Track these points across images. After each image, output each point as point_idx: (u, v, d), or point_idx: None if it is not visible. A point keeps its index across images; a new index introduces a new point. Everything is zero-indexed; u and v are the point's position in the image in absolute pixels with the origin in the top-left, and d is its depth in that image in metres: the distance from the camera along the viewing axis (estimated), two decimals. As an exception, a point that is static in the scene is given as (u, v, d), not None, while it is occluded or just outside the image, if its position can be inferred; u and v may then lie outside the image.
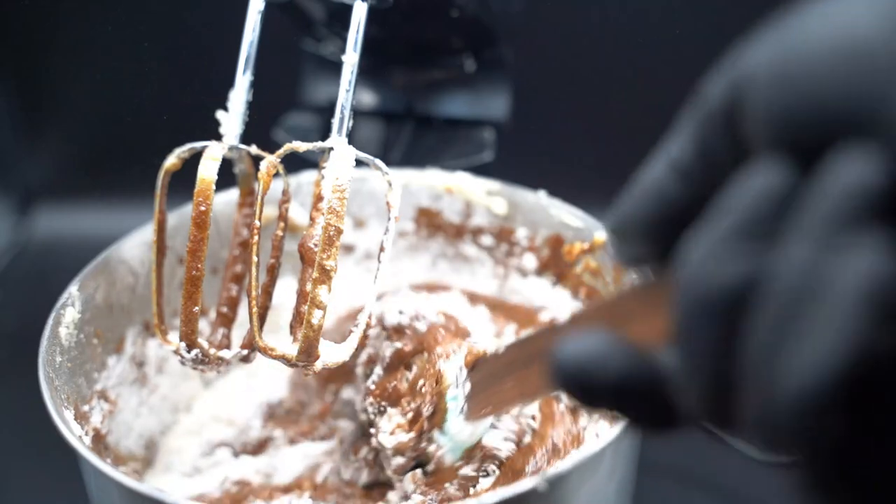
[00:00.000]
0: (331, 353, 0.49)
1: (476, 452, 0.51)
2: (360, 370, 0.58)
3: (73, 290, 0.56)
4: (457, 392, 0.50)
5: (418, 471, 0.52)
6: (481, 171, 0.69)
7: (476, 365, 0.50)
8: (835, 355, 0.21)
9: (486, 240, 0.68)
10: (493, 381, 0.47)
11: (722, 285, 0.23)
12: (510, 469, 0.51)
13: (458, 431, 0.50)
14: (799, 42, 0.23)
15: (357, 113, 0.51)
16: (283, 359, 0.49)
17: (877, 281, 0.20)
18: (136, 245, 0.61)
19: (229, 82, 0.53)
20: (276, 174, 0.51)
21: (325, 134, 0.51)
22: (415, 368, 0.53)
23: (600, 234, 0.62)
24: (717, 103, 0.25)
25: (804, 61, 0.23)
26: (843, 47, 0.22)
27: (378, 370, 0.55)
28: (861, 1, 0.22)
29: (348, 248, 0.69)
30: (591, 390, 0.28)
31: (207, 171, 0.49)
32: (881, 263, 0.21)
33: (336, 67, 0.52)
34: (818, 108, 0.22)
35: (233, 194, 0.58)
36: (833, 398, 0.21)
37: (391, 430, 0.52)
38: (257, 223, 0.49)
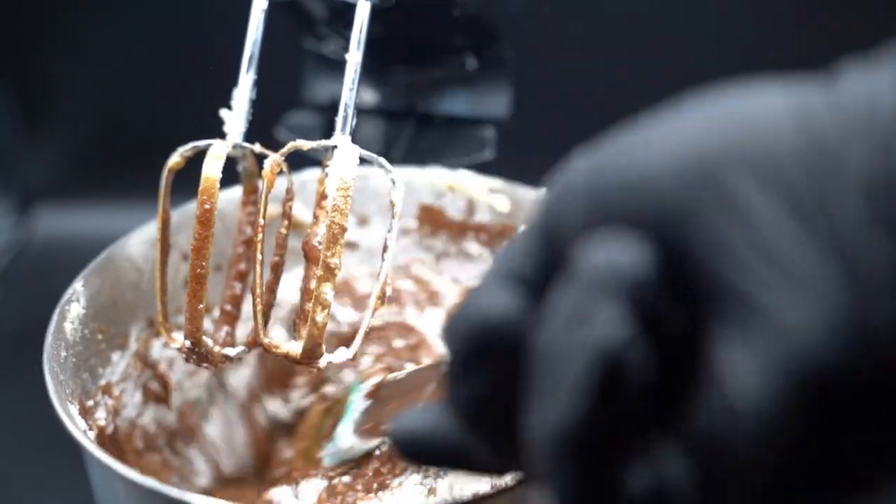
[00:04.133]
0: (335, 351, 0.49)
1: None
2: None
3: (77, 286, 0.57)
4: (355, 400, 0.52)
5: None
6: (482, 169, 0.69)
7: (380, 387, 0.52)
8: (556, 422, 0.23)
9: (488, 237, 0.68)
10: (385, 402, 0.49)
11: (488, 319, 0.25)
12: None
13: (344, 440, 0.52)
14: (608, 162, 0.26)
15: (358, 111, 0.51)
16: (287, 357, 0.49)
17: (602, 351, 0.22)
18: (139, 242, 0.61)
19: (232, 81, 0.53)
20: (280, 172, 0.51)
21: (326, 132, 0.51)
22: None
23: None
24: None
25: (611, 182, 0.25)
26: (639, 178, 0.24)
27: None
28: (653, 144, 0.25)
29: (351, 246, 0.70)
30: (418, 458, 0.30)
31: (211, 169, 0.49)
32: (609, 336, 0.22)
33: (337, 66, 0.52)
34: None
35: (236, 192, 0.59)
36: (562, 454, 0.23)
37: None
38: (261, 221, 0.49)
